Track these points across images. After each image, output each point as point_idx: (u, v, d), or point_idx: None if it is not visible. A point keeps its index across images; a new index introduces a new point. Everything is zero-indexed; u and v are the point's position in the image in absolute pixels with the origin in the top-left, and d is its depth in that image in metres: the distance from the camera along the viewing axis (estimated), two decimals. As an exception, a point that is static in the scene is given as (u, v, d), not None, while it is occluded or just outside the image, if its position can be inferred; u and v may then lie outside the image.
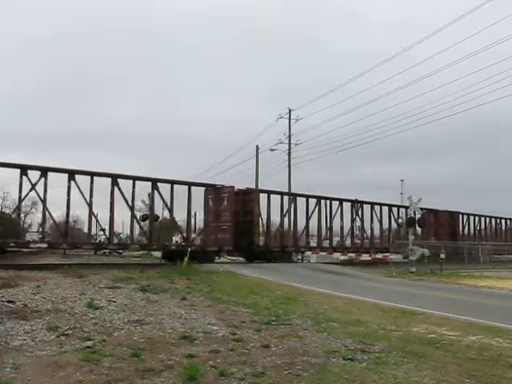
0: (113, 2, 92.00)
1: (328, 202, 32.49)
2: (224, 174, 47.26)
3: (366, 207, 34.50)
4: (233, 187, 27.53)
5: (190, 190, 26.15)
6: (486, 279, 21.20)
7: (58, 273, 17.23)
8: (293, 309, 10.37)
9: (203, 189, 27.67)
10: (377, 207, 35.20)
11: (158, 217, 26.91)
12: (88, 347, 6.34)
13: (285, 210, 29.78)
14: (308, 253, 33.32)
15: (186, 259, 22.82)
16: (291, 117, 42.06)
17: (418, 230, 35.84)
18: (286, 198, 30.46)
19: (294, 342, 7.12)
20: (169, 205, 25.78)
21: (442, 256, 26.02)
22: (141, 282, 14.64)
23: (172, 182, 25.49)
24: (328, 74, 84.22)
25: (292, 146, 41.93)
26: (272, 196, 29.41)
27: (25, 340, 6.66)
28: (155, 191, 25.64)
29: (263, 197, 29.06)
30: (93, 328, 7.64)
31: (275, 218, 30.71)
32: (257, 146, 41.88)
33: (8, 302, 9.87)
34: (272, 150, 42.27)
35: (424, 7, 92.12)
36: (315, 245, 32.62)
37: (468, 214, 40.70)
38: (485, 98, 49.10)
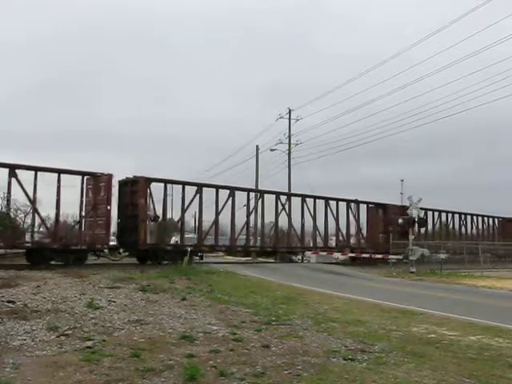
0: (113, 2, 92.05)
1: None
2: (224, 175, 47.25)
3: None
4: (111, 175, 23.30)
5: (59, 178, 22.08)
6: (486, 279, 21.20)
7: (58, 273, 17.25)
8: (293, 309, 10.37)
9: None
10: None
11: (159, 217, 26.57)
12: (88, 347, 6.34)
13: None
14: (308, 253, 33.27)
15: (185, 259, 22.83)
16: (291, 117, 42.08)
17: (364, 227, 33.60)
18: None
19: (294, 342, 7.11)
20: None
21: (443, 256, 26.03)
22: (141, 282, 14.63)
23: (36, 169, 21.61)
24: (328, 74, 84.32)
25: (292, 146, 41.93)
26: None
27: (25, 340, 6.66)
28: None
29: (158, 187, 25.06)
30: (93, 328, 7.64)
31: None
32: (257, 146, 41.95)
33: (8, 301, 9.87)
34: (272, 150, 42.27)
35: (423, 10, 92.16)
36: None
37: (425, 209, 35.57)
38: (485, 98, 49.15)
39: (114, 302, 10.51)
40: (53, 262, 21.45)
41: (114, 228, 25.80)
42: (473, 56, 30.84)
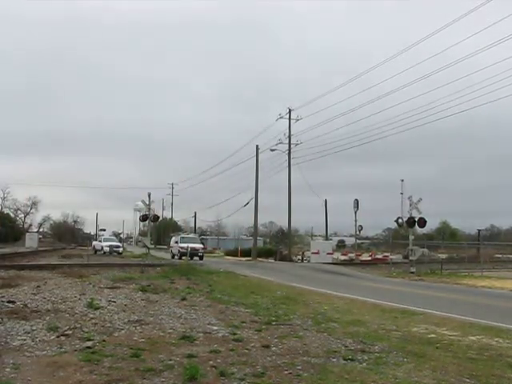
0: (110, 5, 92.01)
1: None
2: (223, 175, 47.25)
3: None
4: None
5: None
6: (486, 279, 21.22)
7: (58, 273, 17.25)
8: (293, 309, 10.37)
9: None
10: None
11: (158, 217, 26.64)
12: (88, 347, 6.33)
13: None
14: (308, 253, 33.33)
15: (185, 258, 22.85)
16: (291, 117, 42.04)
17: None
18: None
19: (295, 342, 7.11)
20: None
21: (443, 256, 26.05)
22: (141, 282, 14.64)
23: None
24: (327, 75, 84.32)
25: (292, 146, 41.90)
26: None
27: (25, 340, 6.65)
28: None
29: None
30: (93, 328, 7.63)
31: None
32: (257, 146, 41.96)
33: (8, 302, 9.87)
34: (272, 150, 42.27)
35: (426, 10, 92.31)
36: None
37: None
38: (487, 98, 48.87)
39: (114, 302, 10.51)
40: None
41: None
42: (474, 55, 30.74)
